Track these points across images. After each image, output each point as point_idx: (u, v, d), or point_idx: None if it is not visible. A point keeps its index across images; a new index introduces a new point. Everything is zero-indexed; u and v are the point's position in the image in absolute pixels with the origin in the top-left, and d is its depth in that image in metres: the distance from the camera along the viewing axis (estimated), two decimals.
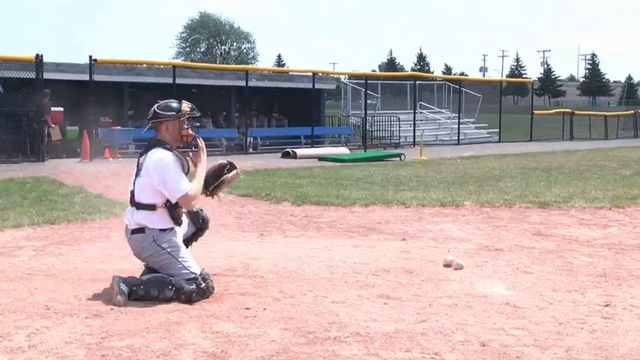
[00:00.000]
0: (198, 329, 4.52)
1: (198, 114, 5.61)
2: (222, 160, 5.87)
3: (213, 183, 5.66)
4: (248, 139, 24.49)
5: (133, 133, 22.23)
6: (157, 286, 5.17)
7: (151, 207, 5.32)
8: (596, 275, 6.20)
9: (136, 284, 5.19)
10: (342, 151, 23.75)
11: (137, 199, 5.39)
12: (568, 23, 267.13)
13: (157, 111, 5.46)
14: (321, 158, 20.78)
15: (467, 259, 6.77)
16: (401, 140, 28.82)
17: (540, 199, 10.85)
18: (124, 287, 5.12)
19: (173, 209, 5.35)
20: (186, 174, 5.43)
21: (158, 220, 5.33)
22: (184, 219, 5.57)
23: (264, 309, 4.99)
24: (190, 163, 5.50)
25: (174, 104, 5.50)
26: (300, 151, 22.23)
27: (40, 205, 10.10)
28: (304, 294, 5.44)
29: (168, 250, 5.30)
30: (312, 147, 25.14)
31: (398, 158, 21.26)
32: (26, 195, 11.16)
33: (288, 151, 22.00)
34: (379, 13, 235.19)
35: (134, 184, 5.46)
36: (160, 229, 5.32)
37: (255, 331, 4.48)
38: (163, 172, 5.25)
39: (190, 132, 5.51)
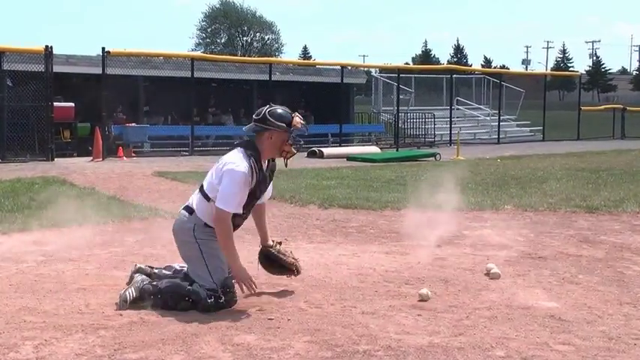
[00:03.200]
0: (218, 341, 4.53)
1: (307, 131, 5.62)
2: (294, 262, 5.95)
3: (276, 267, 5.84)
4: None
5: (149, 130, 22.39)
6: (174, 296, 5.23)
7: (207, 197, 5.38)
8: None
9: (153, 293, 5.26)
10: (373, 150, 23.75)
11: (203, 182, 5.49)
12: (619, 11, 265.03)
13: (268, 117, 5.42)
14: (349, 158, 20.80)
15: (508, 267, 6.74)
16: (436, 139, 28.77)
17: (588, 203, 10.77)
18: (129, 292, 5.25)
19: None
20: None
21: (206, 212, 5.37)
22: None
23: (289, 320, 5.00)
24: None
25: (288, 115, 5.46)
26: (327, 151, 22.28)
27: (49, 207, 10.19)
28: (331, 304, 5.45)
29: (201, 247, 5.32)
30: (340, 146, 25.20)
31: (433, 158, 21.22)
32: (34, 196, 11.26)
33: (315, 150, 22.04)
34: (413, 1, 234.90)
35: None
36: (205, 224, 5.35)
37: (279, 344, 4.49)
38: (225, 175, 5.25)
39: (293, 150, 5.51)
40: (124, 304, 5.21)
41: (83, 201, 10.78)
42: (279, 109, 5.47)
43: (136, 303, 5.24)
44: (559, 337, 4.70)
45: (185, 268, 5.56)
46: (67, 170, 16.33)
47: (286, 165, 5.64)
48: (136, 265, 5.79)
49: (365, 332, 4.73)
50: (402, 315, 5.18)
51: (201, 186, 5.49)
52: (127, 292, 5.28)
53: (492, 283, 6.15)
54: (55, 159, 19.24)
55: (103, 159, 19.39)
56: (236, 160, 5.28)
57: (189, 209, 5.45)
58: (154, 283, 5.40)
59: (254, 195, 5.42)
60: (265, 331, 4.76)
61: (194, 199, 5.46)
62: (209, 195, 5.36)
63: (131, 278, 5.56)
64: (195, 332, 4.70)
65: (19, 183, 13.22)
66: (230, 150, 5.49)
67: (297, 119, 5.48)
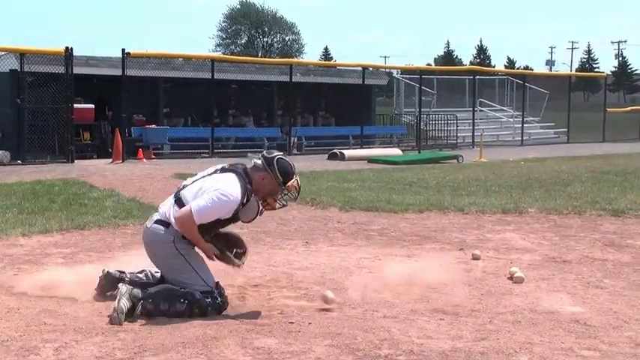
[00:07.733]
0: (238, 344, 4.54)
1: (295, 199, 5.61)
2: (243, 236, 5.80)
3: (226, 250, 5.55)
4: (292, 138, 24.58)
5: (169, 132, 22.45)
6: (167, 299, 5.17)
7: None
8: None
9: (143, 297, 5.17)
10: (394, 152, 23.71)
11: (182, 193, 5.42)
12: None
13: (274, 163, 5.39)
14: (371, 160, 20.76)
15: (532, 271, 6.71)
16: (458, 141, 28.64)
17: (614, 206, 10.70)
18: (124, 303, 5.06)
19: (207, 227, 5.31)
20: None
21: None
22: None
23: (309, 323, 5.00)
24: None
25: (291, 175, 5.40)
26: (348, 153, 22.24)
27: (69, 209, 10.26)
28: (353, 308, 5.45)
29: (187, 258, 5.31)
30: (361, 148, 25.13)
31: (455, 160, 21.15)
32: (55, 198, 11.34)
33: (336, 153, 22.03)
34: (435, 1, 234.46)
35: (193, 181, 5.50)
36: (183, 236, 5.32)
37: (300, 347, 4.49)
38: (217, 194, 5.20)
39: (276, 206, 5.52)
40: (122, 316, 5.00)
41: (103, 203, 10.86)
42: (288, 166, 5.44)
43: (129, 312, 5.10)
44: (584, 343, 4.67)
45: (159, 274, 5.52)
46: (87, 172, 16.43)
47: (260, 214, 5.51)
48: (104, 270, 5.69)
49: (387, 336, 4.73)
50: (424, 319, 5.17)
51: (178, 198, 5.40)
52: (122, 304, 5.05)
53: (516, 288, 6.13)
54: (75, 161, 19.35)
55: (122, 161, 19.48)
56: (233, 188, 5.25)
57: (164, 223, 5.37)
58: (144, 289, 5.28)
59: (234, 218, 5.40)
60: (286, 334, 4.76)
61: (169, 211, 5.37)
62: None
63: (112, 288, 5.47)
64: (215, 335, 4.71)
65: (39, 185, 13.32)
66: (227, 170, 5.44)
67: (295, 183, 5.43)
